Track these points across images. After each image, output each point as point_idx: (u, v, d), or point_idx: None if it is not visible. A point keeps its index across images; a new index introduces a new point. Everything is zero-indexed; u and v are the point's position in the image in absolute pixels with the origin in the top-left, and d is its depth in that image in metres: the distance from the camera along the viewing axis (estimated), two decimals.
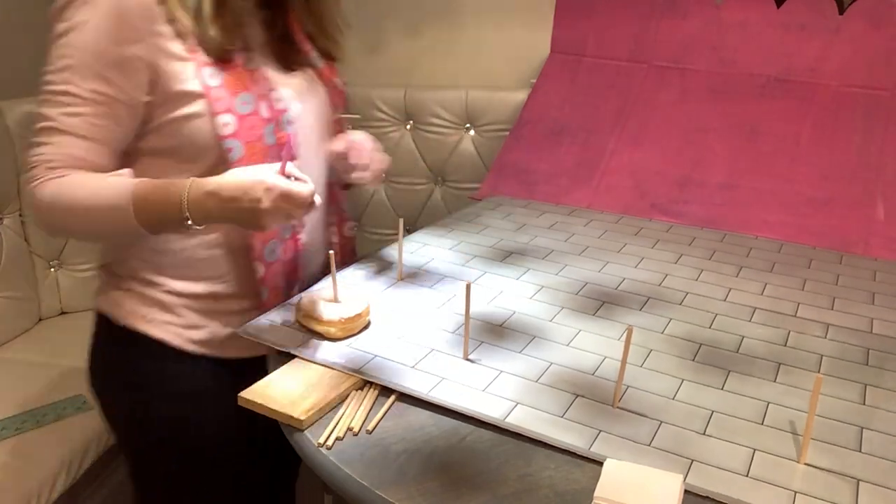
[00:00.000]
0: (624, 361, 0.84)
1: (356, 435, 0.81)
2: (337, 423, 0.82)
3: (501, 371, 0.91)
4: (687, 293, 1.14)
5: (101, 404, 1.13)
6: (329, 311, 0.97)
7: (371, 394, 0.87)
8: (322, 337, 0.97)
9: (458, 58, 2.06)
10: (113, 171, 0.94)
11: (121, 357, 1.08)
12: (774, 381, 0.91)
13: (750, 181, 1.50)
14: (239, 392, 0.87)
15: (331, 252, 0.99)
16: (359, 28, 2.15)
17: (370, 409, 0.85)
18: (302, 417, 0.82)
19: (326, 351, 0.94)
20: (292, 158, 0.95)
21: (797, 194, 1.45)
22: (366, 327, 1.00)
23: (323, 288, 1.04)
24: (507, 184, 1.67)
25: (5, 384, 1.57)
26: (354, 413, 0.84)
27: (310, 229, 1.11)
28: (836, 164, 1.46)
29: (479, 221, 1.45)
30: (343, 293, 1.01)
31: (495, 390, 0.87)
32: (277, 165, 0.89)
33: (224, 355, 1.06)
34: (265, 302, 1.05)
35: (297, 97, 1.06)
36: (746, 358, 0.96)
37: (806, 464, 0.76)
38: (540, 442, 0.79)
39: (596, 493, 0.69)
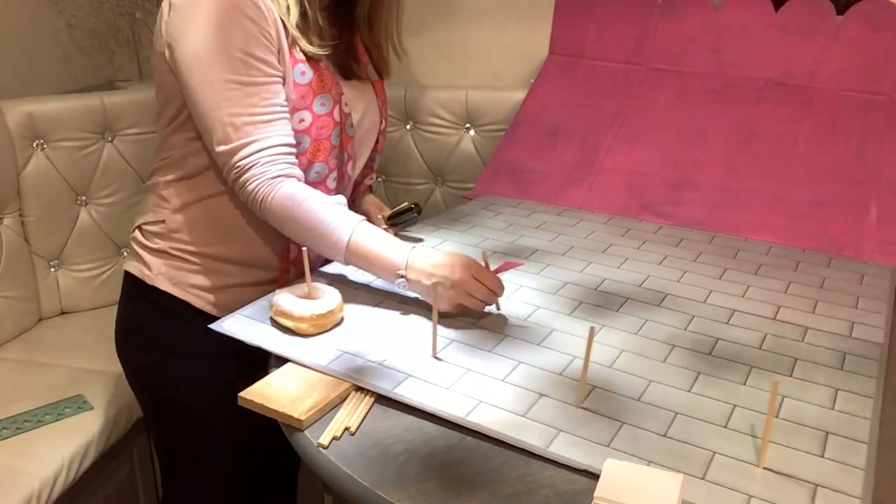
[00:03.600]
0: (587, 361, 0.84)
1: (353, 434, 0.81)
2: (337, 424, 0.82)
3: (468, 369, 0.91)
4: (667, 294, 1.13)
5: (126, 367, 1.21)
6: (301, 308, 0.97)
7: (371, 393, 0.87)
8: (294, 333, 0.98)
9: (458, 58, 2.06)
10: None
11: (146, 318, 1.16)
12: (744, 384, 0.90)
13: (746, 183, 1.48)
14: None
15: (303, 248, 1.00)
16: None
17: (369, 409, 0.85)
18: (302, 418, 0.82)
19: (295, 347, 0.95)
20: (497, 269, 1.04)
21: (792, 197, 1.44)
22: (338, 324, 1.01)
23: (297, 284, 1.05)
24: (502, 183, 1.66)
25: (5, 384, 1.57)
26: (353, 413, 0.84)
27: None
28: (832, 167, 1.44)
29: (467, 220, 1.45)
30: (316, 290, 1.01)
31: (460, 388, 0.87)
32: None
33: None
34: (290, 278, 1.15)
35: (358, 104, 1.18)
36: (718, 360, 0.95)
37: (765, 468, 0.75)
38: None
39: (596, 493, 0.68)
